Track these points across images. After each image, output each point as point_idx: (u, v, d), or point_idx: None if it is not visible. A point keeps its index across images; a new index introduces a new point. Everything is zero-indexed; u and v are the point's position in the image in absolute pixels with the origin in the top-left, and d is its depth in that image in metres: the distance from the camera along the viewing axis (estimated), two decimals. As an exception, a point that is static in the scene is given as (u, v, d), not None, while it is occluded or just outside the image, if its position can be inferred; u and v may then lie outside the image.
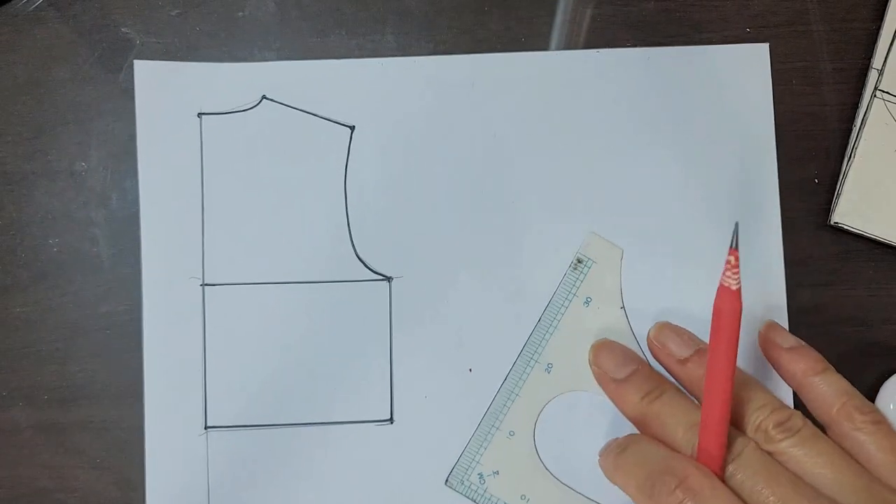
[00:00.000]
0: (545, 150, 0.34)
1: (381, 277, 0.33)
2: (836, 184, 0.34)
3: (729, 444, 0.27)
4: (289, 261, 0.33)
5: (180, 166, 0.33)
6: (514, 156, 0.34)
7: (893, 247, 0.33)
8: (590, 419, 0.33)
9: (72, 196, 0.34)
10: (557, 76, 0.34)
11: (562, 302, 0.33)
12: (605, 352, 0.32)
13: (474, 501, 0.33)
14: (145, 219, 0.33)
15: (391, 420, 0.33)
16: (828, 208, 0.34)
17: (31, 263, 0.33)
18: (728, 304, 0.27)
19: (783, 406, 0.29)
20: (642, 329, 0.33)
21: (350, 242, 0.33)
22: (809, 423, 0.28)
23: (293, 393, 0.33)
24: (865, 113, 0.33)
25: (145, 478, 0.32)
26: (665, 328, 0.32)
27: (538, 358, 0.33)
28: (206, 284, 0.33)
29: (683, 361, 0.31)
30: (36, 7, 0.34)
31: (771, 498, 0.26)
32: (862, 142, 0.33)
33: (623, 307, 0.33)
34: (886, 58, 0.34)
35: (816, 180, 0.34)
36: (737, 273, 0.27)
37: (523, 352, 0.33)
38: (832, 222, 0.33)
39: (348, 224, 0.33)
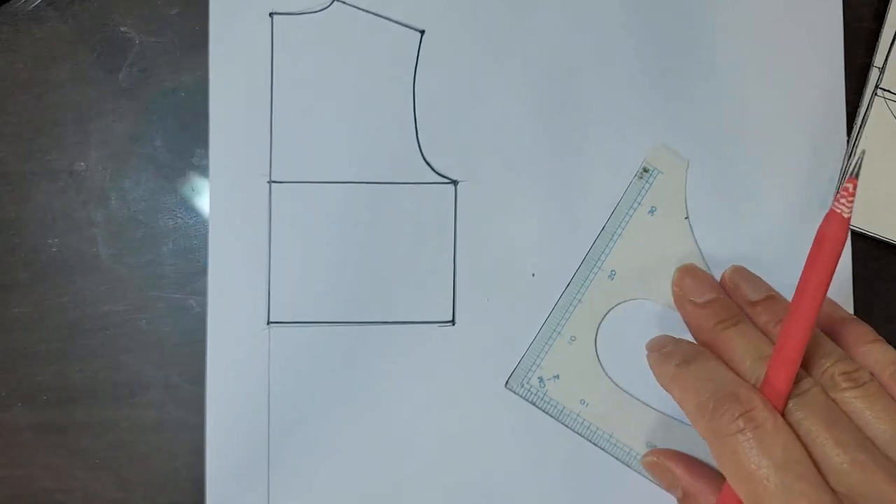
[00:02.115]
0: (615, 59, 0.34)
1: (447, 180, 0.33)
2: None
3: (795, 383, 0.27)
4: (356, 161, 0.33)
5: (250, 64, 0.33)
6: (583, 64, 0.34)
7: (893, 245, 0.33)
8: (652, 327, 0.33)
9: (71, 196, 0.33)
10: None
11: (626, 210, 0.33)
12: (690, 276, 0.32)
13: (533, 404, 0.33)
14: (214, 116, 0.33)
15: (453, 322, 0.33)
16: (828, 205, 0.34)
17: (31, 263, 0.33)
18: (834, 231, 0.26)
19: (852, 359, 0.28)
20: (705, 240, 0.33)
21: (417, 145, 0.33)
22: (876, 380, 0.28)
23: (356, 291, 0.33)
24: (866, 111, 0.33)
25: (206, 370, 0.33)
26: (740, 270, 0.32)
27: (601, 265, 0.33)
28: (274, 182, 0.33)
29: (754, 304, 0.31)
30: (35, 6, 0.34)
31: (829, 441, 0.26)
32: (862, 140, 0.33)
33: (687, 217, 0.33)
34: (888, 56, 0.34)
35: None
36: (851, 202, 0.26)
37: (587, 258, 0.33)
38: None
39: (416, 127, 0.33)
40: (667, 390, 0.30)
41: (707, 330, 0.30)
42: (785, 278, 0.32)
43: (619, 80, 0.34)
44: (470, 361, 0.33)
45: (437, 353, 0.33)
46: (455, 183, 0.33)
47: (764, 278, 0.32)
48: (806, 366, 0.28)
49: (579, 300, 0.33)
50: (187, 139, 0.34)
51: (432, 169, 0.33)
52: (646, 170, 0.33)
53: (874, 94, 0.33)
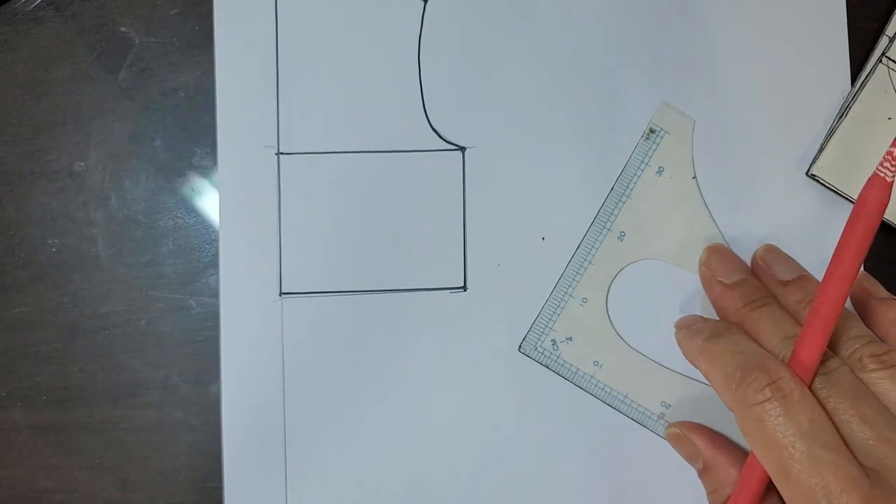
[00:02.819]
0: (620, 19, 0.34)
1: (455, 147, 0.34)
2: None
3: (822, 362, 0.27)
4: (363, 130, 0.33)
5: (255, 35, 0.33)
6: (588, 25, 0.34)
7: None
8: (662, 287, 0.33)
9: (71, 196, 0.33)
10: None
11: (634, 171, 0.33)
12: (718, 257, 0.32)
13: (547, 367, 0.33)
14: (221, 88, 0.33)
15: (464, 287, 0.33)
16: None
17: (31, 263, 0.33)
18: (876, 193, 0.25)
19: (881, 341, 0.28)
20: (713, 199, 0.33)
21: (424, 113, 0.33)
22: None
23: (367, 261, 0.33)
24: (867, 76, 0.33)
25: (220, 344, 0.32)
26: (773, 250, 0.32)
27: (611, 226, 0.33)
28: (282, 153, 0.33)
29: (785, 284, 0.31)
30: (35, 6, 0.34)
31: (855, 417, 0.26)
32: (857, 103, 0.33)
33: (695, 177, 0.34)
34: (901, 27, 0.34)
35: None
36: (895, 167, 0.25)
37: (596, 220, 0.33)
38: (809, 173, 0.33)
39: (422, 94, 0.34)
40: (694, 365, 0.30)
41: (735, 310, 0.30)
42: (793, 238, 0.33)
43: (626, 42, 0.34)
44: (482, 326, 0.33)
45: (449, 320, 0.33)
46: (463, 150, 0.34)
47: (771, 239, 0.32)
48: (834, 347, 0.28)
49: (590, 262, 0.33)
50: (187, 139, 0.34)
51: (440, 136, 0.33)
52: (652, 130, 0.34)
53: (879, 60, 0.33)
